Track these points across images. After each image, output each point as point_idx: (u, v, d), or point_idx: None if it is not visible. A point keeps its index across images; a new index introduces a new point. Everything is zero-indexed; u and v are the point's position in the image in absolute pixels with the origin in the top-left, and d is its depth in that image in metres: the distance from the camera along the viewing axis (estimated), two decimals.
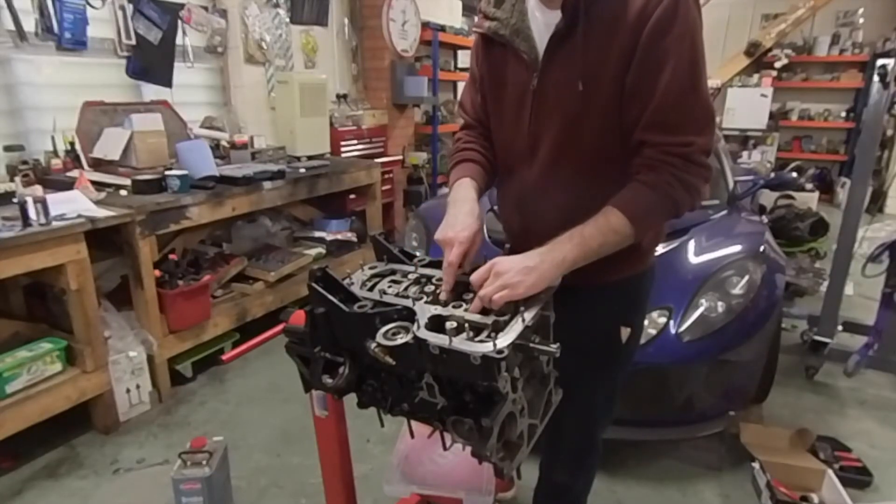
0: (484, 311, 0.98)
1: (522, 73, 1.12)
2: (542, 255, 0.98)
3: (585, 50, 1.02)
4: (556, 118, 1.09)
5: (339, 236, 3.65)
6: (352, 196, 3.82)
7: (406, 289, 1.09)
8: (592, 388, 1.34)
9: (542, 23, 1.08)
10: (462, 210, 1.12)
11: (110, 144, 2.74)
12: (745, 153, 6.45)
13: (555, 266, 0.98)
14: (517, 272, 0.95)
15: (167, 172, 2.57)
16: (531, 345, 0.95)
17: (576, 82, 1.03)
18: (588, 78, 1.02)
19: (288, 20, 3.92)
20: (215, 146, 3.30)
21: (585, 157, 1.10)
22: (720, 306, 2.05)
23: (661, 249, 2.35)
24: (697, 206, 1.03)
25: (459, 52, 5.99)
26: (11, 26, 2.47)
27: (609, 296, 1.20)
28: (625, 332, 1.26)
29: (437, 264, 1.18)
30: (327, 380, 1.05)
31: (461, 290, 1.07)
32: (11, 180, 2.39)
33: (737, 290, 2.10)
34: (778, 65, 6.88)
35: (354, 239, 3.70)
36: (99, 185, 2.49)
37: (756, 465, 2.02)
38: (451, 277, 1.03)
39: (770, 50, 6.87)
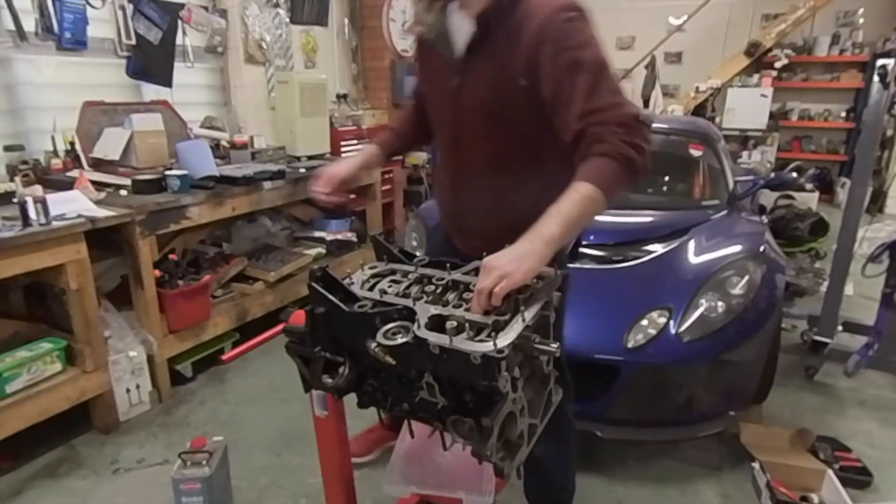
0: (485, 311, 0.98)
1: (446, 74, 1.28)
2: (530, 239, 1.01)
3: (495, 58, 1.18)
4: (473, 116, 1.25)
5: (339, 236, 3.64)
6: (352, 196, 3.82)
7: (406, 288, 1.09)
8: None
9: (463, 30, 1.22)
10: (358, 156, 1.51)
11: (110, 144, 2.73)
12: (745, 153, 6.44)
13: (544, 245, 1.00)
14: (510, 261, 0.97)
15: (167, 172, 2.57)
16: (532, 344, 0.95)
17: (485, 87, 1.20)
18: (493, 84, 1.19)
19: (288, 20, 3.92)
20: (215, 146, 3.30)
21: (501, 150, 1.26)
22: (720, 306, 2.05)
23: (661, 249, 2.36)
24: (648, 163, 1.09)
25: None
26: (11, 26, 2.47)
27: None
28: (556, 297, 1.34)
29: (437, 264, 1.18)
30: (327, 380, 1.06)
31: (462, 289, 1.07)
32: (11, 180, 2.39)
33: (737, 290, 2.10)
34: (778, 65, 6.87)
35: (354, 239, 3.70)
36: (99, 185, 2.49)
37: (756, 465, 2.02)
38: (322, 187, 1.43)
39: (770, 50, 6.87)
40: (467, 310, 0.98)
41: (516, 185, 1.25)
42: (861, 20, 6.76)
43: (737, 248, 2.31)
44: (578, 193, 1.04)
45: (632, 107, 1.11)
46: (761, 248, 2.32)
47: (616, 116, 1.08)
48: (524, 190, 1.23)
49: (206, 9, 3.41)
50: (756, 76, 6.85)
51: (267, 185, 2.94)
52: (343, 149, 4.17)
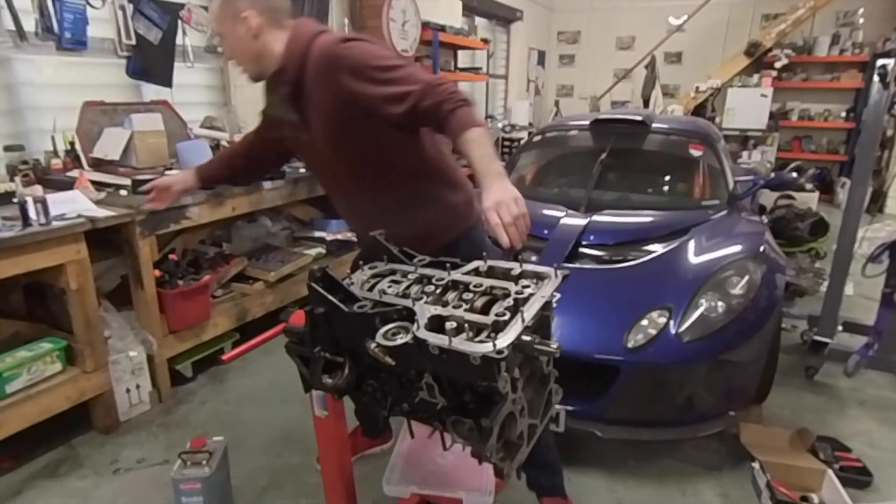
0: (484, 311, 0.98)
1: (296, 132, 1.50)
2: (494, 179, 1.20)
3: (311, 105, 1.42)
4: (335, 156, 1.47)
5: (339, 236, 3.64)
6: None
7: (406, 289, 1.09)
8: None
9: (285, 108, 1.46)
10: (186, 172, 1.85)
11: (110, 144, 2.73)
12: (745, 153, 6.45)
13: (504, 176, 1.22)
14: (503, 193, 1.16)
15: (167, 172, 2.57)
16: (531, 345, 0.95)
17: (323, 129, 1.43)
18: (323, 123, 1.43)
19: None
20: (215, 146, 3.29)
21: (374, 173, 1.49)
22: (720, 306, 2.05)
23: (661, 249, 2.36)
24: (470, 101, 1.33)
25: (459, 53, 5.98)
26: (11, 26, 2.46)
27: (455, 250, 1.37)
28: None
29: (437, 264, 1.18)
30: (327, 380, 1.06)
31: (462, 289, 1.07)
32: (11, 180, 2.39)
33: (737, 290, 2.10)
34: (778, 65, 6.87)
35: (354, 239, 3.70)
36: (99, 185, 2.49)
37: (756, 465, 2.02)
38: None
39: (770, 50, 6.87)
40: (467, 310, 0.98)
41: (394, 183, 1.50)
42: (861, 20, 6.77)
43: (737, 248, 2.32)
44: (476, 136, 1.25)
45: (422, 81, 1.32)
46: (761, 248, 2.32)
47: (429, 85, 1.31)
48: (402, 183, 1.50)
49: (206, 9, 3.41)
50: (756, 76, 6.86)
51: (267, 185, 2.94)
52: None
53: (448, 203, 1.58)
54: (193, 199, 2.53)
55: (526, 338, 0.91)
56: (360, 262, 1.41)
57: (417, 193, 1.52)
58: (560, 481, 1.82)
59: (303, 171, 3.26)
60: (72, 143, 2.71)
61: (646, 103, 6.97)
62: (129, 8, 2.89)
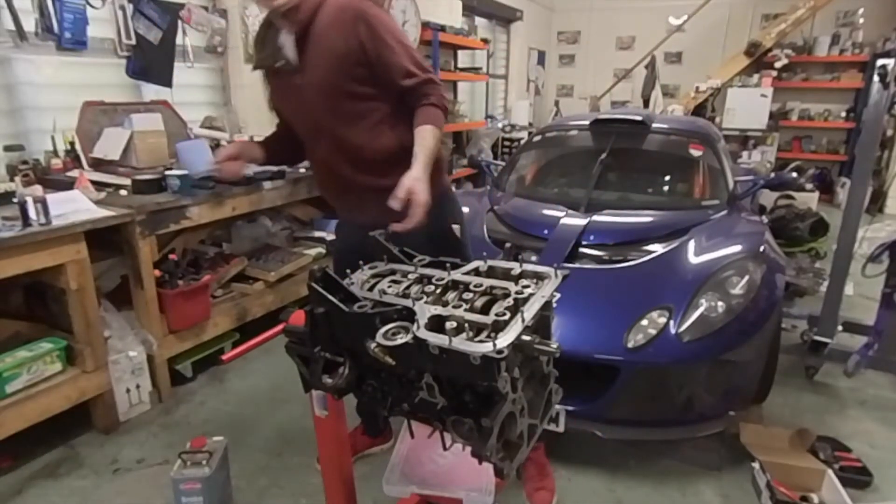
0: (484, 311, 0.98)
1: (290, 80, 1.59)
2: (417, 169, 1.46)
3: (320, 47, 1.53)
4: (321, 100, 1.57)
5: None
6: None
7: (406, 289, 1.09)
8: None
9: (289, 42, 1.54)
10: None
11: (110, 144, 2.73)
12: (745, 153, 6.45)
13: (425, 170, 1.47)
14: (415, 181, 1.42)
15: (167, 172, 2.57)
16: (531, 345, 0.95)
17: (319, 70, 1.54)
18: (328, 65, 1.53)
19: None
20: (215, 146, 3.29)
21: (352, 119, 1.59)
22: (720, 306, 2.05)
23: (661, 249, 2.36)
24: (446, 107, 1.61)
25: (459, 52, 5.98)
26: (11, 26, 2.46)
27: (435, 208, 1.51)
28: (457, 229, 1.79)
29: (437, 264, 1.18)
30: (327, 380, 1.06)
31: (462, 289, 1.07)
32: (11, 180, 2.39)
33: (737, 290, 2.10)
34: (778, 65, 6.87)
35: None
36: (99, 185, 2.49)
37: (756, 465, 2.02)
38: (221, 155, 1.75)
39: (770, 50, 6.87)
40: (468, 310, 0.98)
41: (370, 132, 1.60)
42: (861, 20, 6.77)
43: (737, 248, 2.32)
44: (429, 133, 1.52)
45: (427, 71, 1.58)
46: (761, 248, 2.32)
47: (424, 80, 1.56)
48: (379, 133, 1.61)
49: (206, 9, 3.41)
50: (756, 76, 6.86)
51: (267, 185, 2.94)
52: None
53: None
54: (193, 198, 2.53)
55: (526, 338, 0.91)
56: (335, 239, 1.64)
57: (392, 149, 1.62)
58: None
59: (303, 170, 3.27)
60: (72, 143, 2.71)
61: (646, 103, 6.97)
62: (129, 8, 2.90)
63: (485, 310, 0.98)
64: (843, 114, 7.08)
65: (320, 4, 1.53)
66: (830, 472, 1.96)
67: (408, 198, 1.39)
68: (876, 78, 2.50)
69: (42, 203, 1.98)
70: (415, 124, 1.56)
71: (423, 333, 0.90)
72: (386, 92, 1.59)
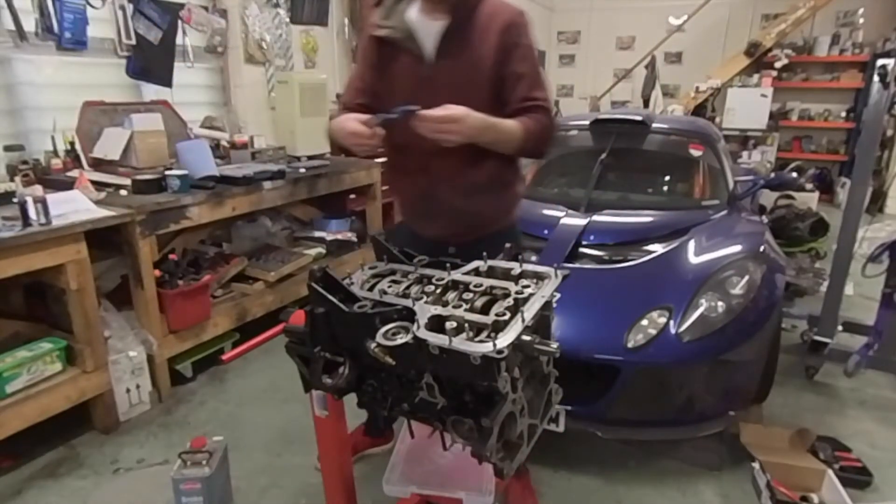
0: (484, 311, 0.98)
1: (413, 66, 1.50)
2: (478, 119, 1.36)
3: (466, 46, 1.47)
4: (445, 97, 1.41)
5: (339, 236, 3.64)
6: (352, 196, 3.82)
7: (406, 289, 1.09)
8: None
9: (426, 28, 1.49)
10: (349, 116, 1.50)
11: (110, 144, 2.73)
12: (745, 153, 6.45)
13: (483, 125, 1.38)
14: (466, 114, 1.33)
15: (167, 172, 2.57)
16: (531, 345, 0.95)
17: (464, 69, 1.47)
18: (468, 65, 1.47)
19: (288, 20, 3.92)
20: (215, 146, 3.29)
21: None
22: (720, 306, 2.05)
23: (661, 249, 2.36)
24: (549, 140, 1.55)
25: None
26: (11, 26, 2.47)
27: (497, 243, 1.46)
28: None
29: (437, 264, 1.18)
30: (327, 380, 1.06)
31: (462, 290, 1.07)
32: (11, 180, 2.40)
33: (737, 290, 2.10)
34: (778, 65, 6.87)
35: (354, 239, 3.70)
36: (99, 185, 2.49)
37: (756, 465, 2.02)
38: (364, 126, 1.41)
39: (770, 50, 6.87)
40: (468, 310, 0.98)
41: (479, 152, 1.49)
42: (861, 20, 6.76)
43: (737, 248, 2.32)
44: (514, 128, 1.45)
45: (549, 98, 1.55)
46: (761, 248, 2.32)
47: (542, 103, 1.51)
48: (487, 153, 1.51)
49: (206, 9, 3.41)
50: (756, 76, 6.85)
51: (267, 185, 2.94)
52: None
53: (514, 191, 1.68)
54: (193, 198, 2.53)
55: (526, 338, 0.91)
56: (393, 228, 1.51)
57: (499, 169, 1.57)
58: None
59: (303, 171, 3.27)
60: (72, 143, 2.71)
61: (646, 103, 6.96)
62: (129, 8, 2.90)
63: (485, 310, 0.98)
64: (843, 114, 7.07)
65: (480, 1, 1.48)
66: (830, 472, 1.96)
67: (445, 119, 1.32)
68: (876, 78, 2.50)
69: (42, 203, 1.98)
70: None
71: (424, 333, 0.90)
72: (499, 109, 1.50)
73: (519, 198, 1.72)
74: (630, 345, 1.97)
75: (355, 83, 1.66)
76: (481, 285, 1.06)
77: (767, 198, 4.37)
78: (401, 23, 1.50)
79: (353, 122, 1.41)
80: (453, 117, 1.32)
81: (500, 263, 1.16)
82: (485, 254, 1.18)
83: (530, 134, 1.49)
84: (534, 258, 2.30)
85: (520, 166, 1.69)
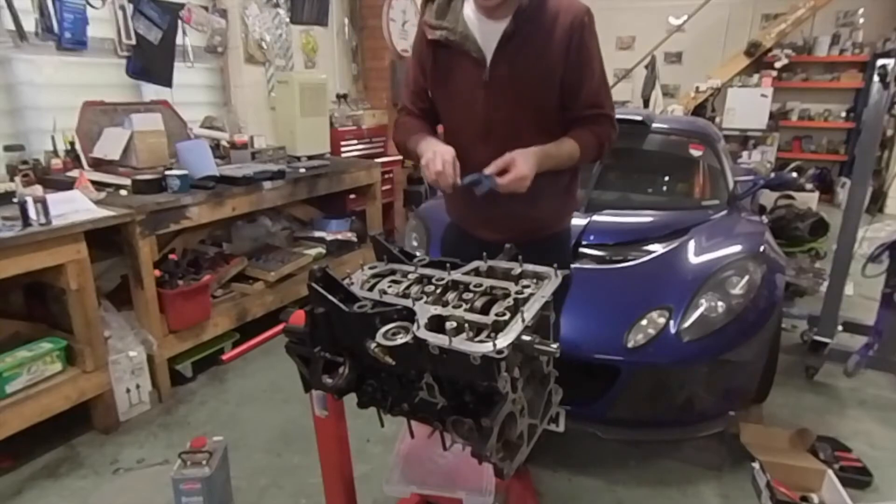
0: (484, 311, 0.98)
1: (472, 70, 1.40)
2: (530, 154, 1.32)
3: (529, 48, 1.37)
4: (507, 103, 1.40)
5: (339, 236, 3.64)
6: (352, 196, 3.82)
7: (406, 289, 1.09)
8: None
9: (485, 30, 1.38)
10: (434, 142, 1.44)
11: (110, 144, 2.73)
12: (745, 153, 6.44)
13: (537, 159, 1.33)
14: (524, 159, 1.30)
15: (167, 172, 2.57)
16: (531, 345, 0.95)
17: (524, 73, 1.38)
18: (532, 69, 1.38)
19: (288, 20, 3.92)
20: (215, 146, 3.29)
21: (529, 131, 1.41)
22: (720, 306, 2.05)
23: (661, 249, 2.36)
24: (609, 147, 1.51)
25: None
26: (11, 26, 2.47)
27: (550, 246, 1.54)
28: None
29: (437, 264, 1.18)
30: (327, 380, 1.06)
31: (462, 290, 1.07)
32: (11, 180, 2.40)
33: (737, 290, 2.10)
34: (778, 65, 6.87)
35: (354, 239, 3.70)
36: (99, 185, 2.49)
37: (756, 465, 2.02)
38: (450, 168, 1.33)
39: (770, 50, 6.87)
40: (468, 310, 0.98)
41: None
42: (861, 20, 6.76)
43: (737, 248, 2.31)
44: (571, 150, 1.41)
45: (613, 108, 1.50)
46: (761, 248, 2.32)
47: (605, 113, 1.47)
48: None
49: (206, 9, 3.41)
50: (756, 76, 6.85)
51: (267, 185, 2.94)
52: (343, 149, 4.17)
53: (571, 193, 1.63)
54: (193, 198, 2.53)
55: (526, 338, 0.91)
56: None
57: (561, 175, 1.50)
58: None
59: (303, 171, 3.27)
60: (72, 143, 2.71)
61: (646, 103, 6.96)
62: (129, 8, 2.90)
63: (485, 310, 0.98)
64: (843, 114, 7.07)
65: (545, 2, 1.36)
66: (830, 472, 1.96)
67: (505, 167, 1.29)
68: (876, 78, 2.50)
69: (42, 203, 1.98)
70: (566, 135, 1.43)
71: (424, 333, 0.90)
72: (560, 113, 1.45)
73: (576, 203, 1.68)
74: (630, 345, 1.97)
75: (411, 86, 1.58)
76: (481, 285, 1.06)
77: (767, 198, 4.37)
78: (457, 23, 1.40)
79: (442, 159, 1.32)
80: (519, 176, 1.28)
81: (501, 263, 1.16)
82: (485, 255, 1.17)
83: (588, 149, 1.44)
84: None
85: (578, 171, 1.63)
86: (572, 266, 2.24)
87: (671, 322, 2.01)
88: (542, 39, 1.36)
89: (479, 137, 1.45)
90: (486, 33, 1.38)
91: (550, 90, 1.41)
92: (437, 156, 1.34)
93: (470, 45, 1.39)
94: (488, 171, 1.30)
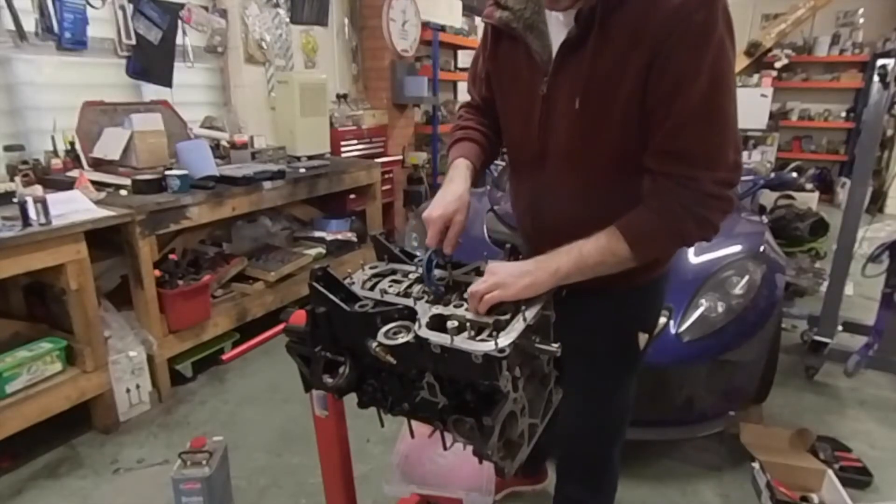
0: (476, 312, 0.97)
1: (533, 74, 1.06)
2: (538, 262, 0.99)
3: (595, 63, 0.95)
4: (564, 127, 1.04)
5: (339, 236, 3.64)
6: (352, 196, 3.82)
7: (407, 288, 1.09)
8: (609, 398, 1.35)
9: (560, 21, 1.01)
10: (448, 190, 1.12)
11: (110, 144, 2.73)
12: (745, 153, 6.45)
13: (549, 275, 0.97)
14: (510, 274, 0.96)
15: (167, 172, 2.57)
16: (533, 344, 0.95)
17: (585, 96, 0.98)
18: (592, 93, 0.97)
19: (288, 20, 3.92)
20: (215, 146, 3.29)
21: (597, 167, 1.04)
22: (720, 306, 2.05)
23: None
24: (710, 238, 0.99)
25: (459, 52, 5.99)
26: (11, 26, 2.46)
27: (631, 300, 1.20)
28: (642, 339, 1.27)
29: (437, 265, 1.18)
30: (327, 379, 1.05)
31: (462, 289, 1.07)
32: (11, 180, 2.39)
33: (737, 290, 2.10)
34: (778, 65, 6.88)
35: (354, 239, 3.70)
36: (99, 185, 2.49)
37: (756, 465, 2.02)
38: (435, 242, 1.08)
39: (770, 50, 6.88)
40: (468, 310, 0.98)
41: (612, 203, 1.01)
42: (861, 20, 6.77)
43: (737, 248, 2.31)
44: (608, 244, 0.97)
45: (718, 172, 0.94)
46: (761, 248, 2.32)
47: (687, 178, 0.93)
48: (610, 208, 1.01)
49: (206, 9, 3.41)
50: (756, 76, 6.86)
51: (267, 185, 2.94)
52: (343, 149, 4.17)
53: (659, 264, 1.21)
54: (193, 198, 2.53)
55: (527, 337, 0.91)
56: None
57: (604, 218, 1.02)
58: None
59: (303, 171, 3.27)
60: (72, 143, 2.71)
61: None
62: (129, 8, 2.90)
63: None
64: (843, 114, 7.08)
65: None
66: (830, 472, 1.96)
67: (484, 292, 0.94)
68: (876, 78, 2.50)
69: (42, 203, 1.98)
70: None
71: (425, 332, 0.90)
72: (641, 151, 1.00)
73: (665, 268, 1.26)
74: None
75: (478, 72, 1.27)
76: None
77: (767, 198, 4.37)
78: (525, 5, 1.05)
79: (437, 228, 1.07)
80: (489, 285, 0.94)
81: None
82: (485, 254, 1.17)
83: (642, 239, 0.97)
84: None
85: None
86: None
87: (671, 322, 2.01)
88: (620, 53, 0.93)
89: (533, 162, 1.13)
90: (559, 27, 1.01)
91: (624, 124, 0.98)
92: (440, 219, 1.07)
93: (533, 40, 1.03)
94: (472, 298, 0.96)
